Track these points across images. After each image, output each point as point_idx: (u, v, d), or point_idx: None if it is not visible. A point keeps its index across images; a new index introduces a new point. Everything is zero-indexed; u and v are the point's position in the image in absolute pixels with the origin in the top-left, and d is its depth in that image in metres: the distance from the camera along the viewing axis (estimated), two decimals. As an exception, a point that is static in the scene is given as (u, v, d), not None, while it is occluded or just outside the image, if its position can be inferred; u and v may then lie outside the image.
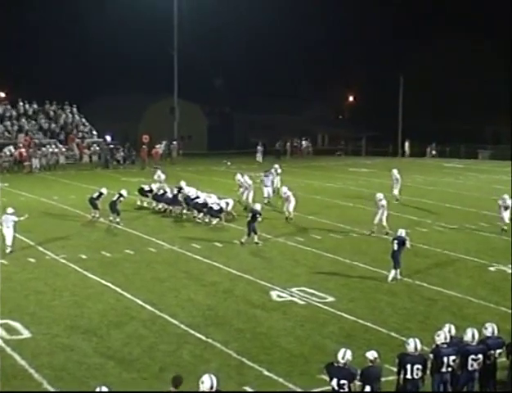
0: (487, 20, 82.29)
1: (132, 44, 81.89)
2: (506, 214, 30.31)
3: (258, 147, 61.21)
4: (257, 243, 27.26)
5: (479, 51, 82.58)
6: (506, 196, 30.91)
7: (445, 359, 13.19)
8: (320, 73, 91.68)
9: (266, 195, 36.22)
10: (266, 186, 36.73)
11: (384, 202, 29.34)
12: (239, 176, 36.32)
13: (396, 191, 37.79)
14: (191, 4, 66.63)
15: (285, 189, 32.90)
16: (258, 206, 28.23)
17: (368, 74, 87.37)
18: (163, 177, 37.13)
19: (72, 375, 15.07)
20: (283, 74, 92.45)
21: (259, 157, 59.82)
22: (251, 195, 34.78)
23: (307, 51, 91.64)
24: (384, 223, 29.03)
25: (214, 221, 30.80)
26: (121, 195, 31.34)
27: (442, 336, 13.45)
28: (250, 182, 35.51)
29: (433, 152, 68.02)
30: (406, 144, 68.49)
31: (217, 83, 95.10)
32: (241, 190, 35.46)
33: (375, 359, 12.68)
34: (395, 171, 38.54)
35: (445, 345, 13.35)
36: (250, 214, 27.67)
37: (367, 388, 12.41)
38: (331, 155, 70.01)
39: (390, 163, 55.89)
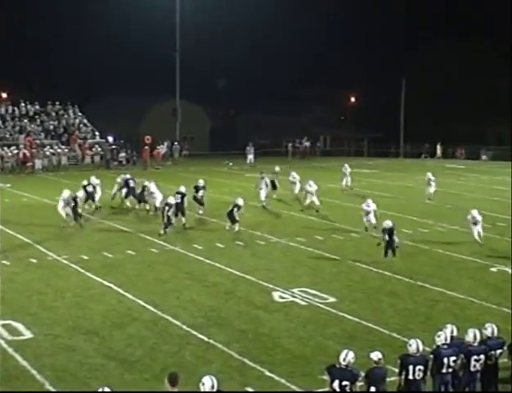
0: (486, 20, 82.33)
1: (135, 45, 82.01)
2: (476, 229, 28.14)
3: (248, 148, 59.39)
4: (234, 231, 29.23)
5: (479, 51, 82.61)
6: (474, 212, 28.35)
7: (445, 360, 13.19)
8: (321, 74, 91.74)
9: (261, 198, 35.78)
10: (260, 188, 36.12)
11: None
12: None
13: (431, 191, 38.96)
14: (194, 5, 66.76)
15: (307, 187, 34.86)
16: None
17: (369, 75, 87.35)
18: (96, 181, 34.97)
19: (74, 376, 15.08)
20: (284, 74, 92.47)
21: (251, 158, 58.41)
22: (264, 192, 35.74)
23: (308, 51, 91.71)
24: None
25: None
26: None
27: (443, 337, 13.46)
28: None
29: (484, 157, 67.99)
30: (438, 146, 68.78)
31: (220, 84, 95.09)
32: (261, 187, 36.27)
33: (379, 359, 12.69)
34: (429, 174, 39.51)
35: (445, 346, 13.35)
36: (231, 206, 29.44)
37: (372, 389, 12.43)
38: (335, 155, 69.81)
39: (392, 164, 56.01)
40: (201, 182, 33.97)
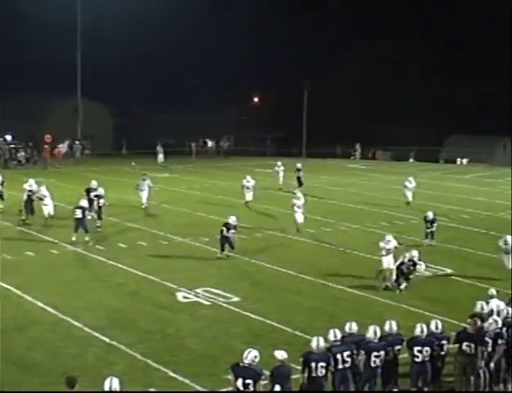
0: (395, 19, 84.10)
1: (35, 42, 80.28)
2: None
3: (158, 148, 58.70)
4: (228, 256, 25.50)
5: (386, 52, 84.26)
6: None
7: (338, 356, 13.44)
8: (224, 73, 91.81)
9: (144, 200, 34.40)
10: (141, 190, 34.47)
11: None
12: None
13: (410, 196, 37.20)
14: (95, 2, 65.87)
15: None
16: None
17: (272, 76, 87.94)
18: (35, 187, 32.27)
19: (-28, 381, 14.67)
20: (187, 74, 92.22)
21: (160, 158, 57.79)
22: (146, 194, 34.38)
23: (213, 51, 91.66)
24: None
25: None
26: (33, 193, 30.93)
27: (332, 335, 13.73)
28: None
29: (411, 160, 68.78)
30: (357, 147, 69.76)
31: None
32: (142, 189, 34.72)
33: (284, 358, 12.80)
34: (411, 178, 37.98)
35: (338, 343, 13.62)
36: (222, 226, 25.52)
37: (277, 387, 12.52)
38: (239, 155, 69.94)
39: (296, 163, 56.43)
40: (94, 184, 31.46)
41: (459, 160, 66.63)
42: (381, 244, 22.86)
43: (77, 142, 61.91)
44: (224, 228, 25.34)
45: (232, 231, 25.45)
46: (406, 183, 37.64)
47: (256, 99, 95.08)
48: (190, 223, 31.79)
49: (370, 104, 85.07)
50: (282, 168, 43.24)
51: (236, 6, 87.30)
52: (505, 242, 23.42)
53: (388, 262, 22.48)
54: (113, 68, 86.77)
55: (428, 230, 28.16)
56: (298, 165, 42.50)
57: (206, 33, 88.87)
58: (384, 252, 22.60)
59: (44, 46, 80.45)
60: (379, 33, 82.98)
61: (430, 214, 28.23)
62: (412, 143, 70.77)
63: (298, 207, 29.97)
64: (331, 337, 13.68)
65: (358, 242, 28.41)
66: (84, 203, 27.89)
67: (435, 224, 28.11)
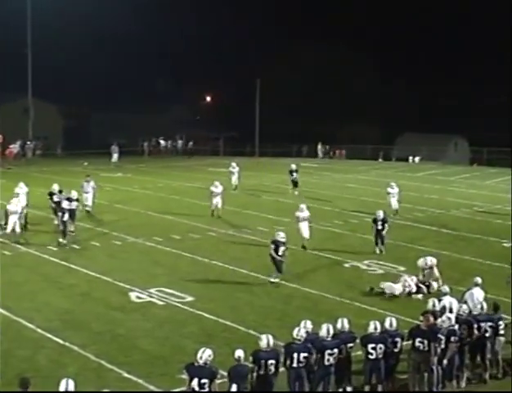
0: (343, 21, 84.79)
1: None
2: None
3: (113, 147, 58.02)
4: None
5: (335, 52, 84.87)
6: None
7: (295, 355, 13.51)
8: (177, 73, 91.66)
9: (86, 202, 33.28)
10: (85, 192, 33.61)
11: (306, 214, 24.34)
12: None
13: (395, 204, 34.64)
14: (46, 2, 65.23)
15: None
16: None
17: (224, 75, 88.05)
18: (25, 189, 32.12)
19: None
20: (139, 74, 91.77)
21: (115, 158, 57.27)
22: (90, 197, 33.63)
23: (164, 51, 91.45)
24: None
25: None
26: None
27: (295, 332, 13.78)
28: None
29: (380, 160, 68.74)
30: (319, 147, 69.94)
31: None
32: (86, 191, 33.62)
33: (240, 357, 12.84)
34: (393, 183, 35.62)
35: (298, 342, 13.67)
36: (273, 246, 22.62)
37: (234, 387, 12.56)
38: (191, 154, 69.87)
39: (249, 163, 56.55)
40: (55, 188, 30.75)
41: (411, 158, 67.31)
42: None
43: (29, 143, 61.27)
44: (273, 246, 22.58)
45: (283, 249, 22.53)
46: (389, 189, 34.93)
47: (208, 98, 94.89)
48: (143, 223, 31.64)
49: (326, 103, 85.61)
50: (237, 168, 42.81)
51: (186, 6, 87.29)
52: (425, 262, 22.94)
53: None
54: (64, 68, 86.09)
55: (379, 229, 26.50)
56: (293, 166, 41.61)
57: (152, 33, 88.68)
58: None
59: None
60: (339, 34, 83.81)
61: (381, 213, 26.88)
62: (371, 142, 71.44)
63: (304, 219, 27.42)
64: (294, 335, 13.72)
65: (312, 240, 28.48)
66: (65, 205, 27.48)
67: (387, 225, 26.78)
